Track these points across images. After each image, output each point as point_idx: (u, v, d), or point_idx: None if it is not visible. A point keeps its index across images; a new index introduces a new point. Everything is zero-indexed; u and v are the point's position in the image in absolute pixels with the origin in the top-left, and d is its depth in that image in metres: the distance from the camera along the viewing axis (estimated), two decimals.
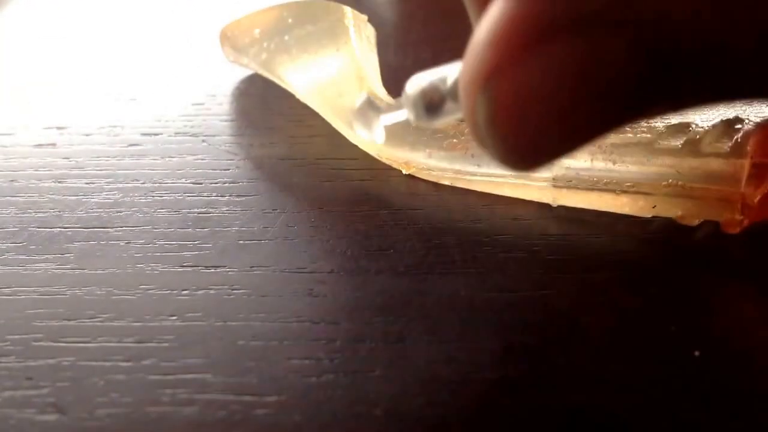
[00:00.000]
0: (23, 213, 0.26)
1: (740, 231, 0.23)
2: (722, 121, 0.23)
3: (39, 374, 0.21)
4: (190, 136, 0.31)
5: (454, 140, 0.26)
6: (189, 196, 0.27)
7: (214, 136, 0.31)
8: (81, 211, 0.26)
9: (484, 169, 0.26)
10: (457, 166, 0.26)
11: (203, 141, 0.30)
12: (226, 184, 0.28)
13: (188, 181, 0.28)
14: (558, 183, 0.24)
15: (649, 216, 0.24)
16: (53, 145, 0.30)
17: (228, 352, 0.21)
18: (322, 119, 0.29)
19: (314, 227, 0.25)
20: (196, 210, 0.26)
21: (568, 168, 0.24)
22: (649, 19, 0.12)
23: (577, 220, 0.25)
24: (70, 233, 0.25)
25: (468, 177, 0.26)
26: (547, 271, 0.23)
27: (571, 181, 0.24)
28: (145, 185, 0.28)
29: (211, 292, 0.23)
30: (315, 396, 0.20)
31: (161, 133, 0.31)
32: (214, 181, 0.28)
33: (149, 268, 0.24)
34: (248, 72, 0.34)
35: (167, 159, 0.29)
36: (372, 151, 0.28)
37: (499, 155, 0.15)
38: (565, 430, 0.19)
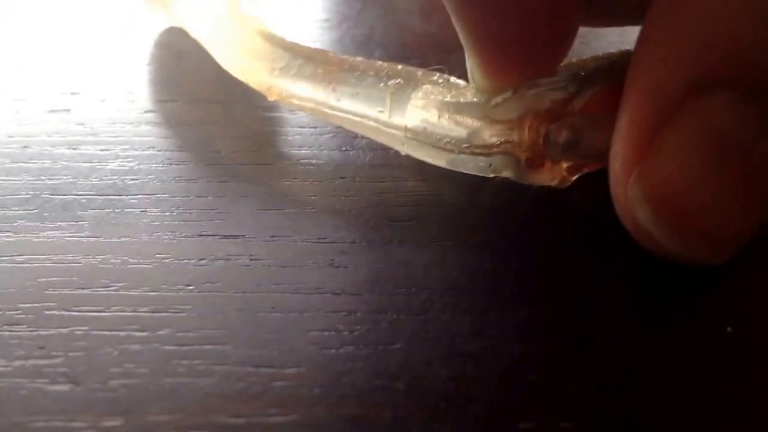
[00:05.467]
0: (36, 179, 0.26)
1: (571, 184, 0.23)
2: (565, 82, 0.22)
3: (51, 344, 0.20)
4: (208, 103, 0.30)
5: (319, 70, 0.25)
6: (207, 163, 0.26)
7: (233, 104, 0.30)
8: (95, 178, 0.26)
9: (342, 104, 0.25)
10: (319, 97, 0.25)
11: (222, 109, 0.30)
12: (247, 153, 0.27)
13: (206, 149, 0.27)
14: (409, 134, 0.24)
15: (490, 175, 0.23)
16: (67, 110, 0.29)
17: (247, 323, 0.20)
18: None
19: (336, 196, 0.25)
20: (214, 178, 0.26)
21: (423, 120, 0.23)
22: None
23: None
24: (84, 200, 0.25)
25: (327, 110, 0.25)
26: (571, 246, 0.23)
27: (419, 134, 0.23)
28: (162, 152, 0.27)
29: (230, 261, 0.22)
30: (335, 368, 0.19)
31: (178, 100, 0.30)
32: (233, 150, 0.27)
33: (166, 236, 0.23)
34: None
35: (185, 126, 0.28)
36: (235, 73, 0.27)
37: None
38: (594, 405, 0.18)
